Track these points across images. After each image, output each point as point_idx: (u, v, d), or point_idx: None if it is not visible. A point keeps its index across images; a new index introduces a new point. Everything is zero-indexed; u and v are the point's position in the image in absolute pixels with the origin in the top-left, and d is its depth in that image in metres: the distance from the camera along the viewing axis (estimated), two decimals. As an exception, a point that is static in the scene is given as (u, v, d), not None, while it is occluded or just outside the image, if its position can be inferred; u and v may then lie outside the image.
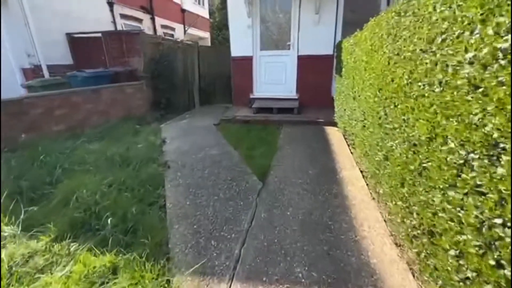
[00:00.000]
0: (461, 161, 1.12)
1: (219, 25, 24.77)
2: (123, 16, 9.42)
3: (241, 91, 6.19)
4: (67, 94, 4.55)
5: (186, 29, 14.35)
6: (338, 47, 4.57)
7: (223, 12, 26.05)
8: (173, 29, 12.77)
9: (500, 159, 0.92)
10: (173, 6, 13.14)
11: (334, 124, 4.80)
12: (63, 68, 6.77)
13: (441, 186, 1.28)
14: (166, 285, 1.59)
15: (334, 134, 4.39)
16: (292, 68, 5.86)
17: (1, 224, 2.05)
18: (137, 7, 10.15)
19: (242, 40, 5.81)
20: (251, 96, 6.15)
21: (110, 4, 8.72)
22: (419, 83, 1.50)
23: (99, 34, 6.99)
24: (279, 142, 4.04)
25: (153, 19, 11.07)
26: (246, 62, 5.94)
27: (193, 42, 7.10)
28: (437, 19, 1.33)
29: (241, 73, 6.05)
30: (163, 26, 11.80)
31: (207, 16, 17.98)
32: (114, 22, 8.88)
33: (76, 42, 7.33)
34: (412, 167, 1.58)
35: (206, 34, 17.88)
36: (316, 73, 5.71)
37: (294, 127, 4.84)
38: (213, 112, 6.36)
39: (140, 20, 10.33)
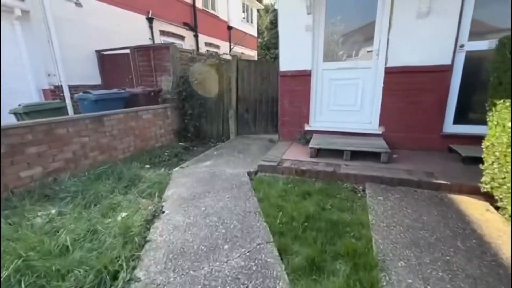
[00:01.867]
0: None
1: (268, 44, 23.98)
2: (163, 32, 8.65)
3: (292, 119, 4.30)
4: (52, 123, 3.27)
5: (232, 46, 13.44)
6: (502, 48, 2.36)
7: (273, 32, 25.44)
8: (217, 46, 11.89)
9: None
10: (219, 23, 12.36)
11: (472, 190, 2.50)
12: (90, 88, 5.88)
13: None
14: None
15: (483, 220, 2.11)
16: (373, 87, 3.76)
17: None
18: (179, 23, 9.39)
19: (296, 48, 4.00)
20: (307, 128, 4.20)
21: (150, 20, 7.98)
22: None
23: (128, 50, 6.04)
24: (374, 239, 1.94)
25: (196, 36, 10.23)
26: (301, 79, 4.08)
27: (232, 56, 5.61)
28: None
29: (293, 94, 4.19)
30: (207, 44, 10.93)
31: (255, 34, 17.08)
32: (152, 38, 8.10)
33: (105, 60, 6.54)
34: None
35: (253, 53, 16.89)
36: (417, 94, 3.50)
37: (390, 193, 2.67)
38: (251, 149, 4.57)
39: (182, 37, 9.54)
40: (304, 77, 4.06)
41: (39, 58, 5.35)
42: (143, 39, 7.64)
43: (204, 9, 11.03)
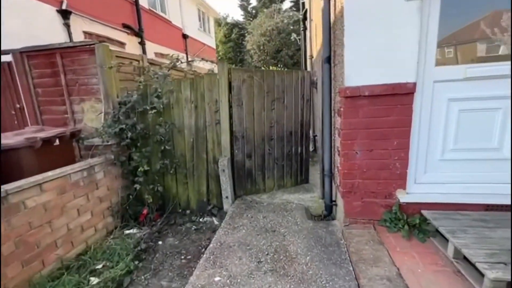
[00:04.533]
0: None
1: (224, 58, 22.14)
2: (91, 36, 5.78)
3: (369, 181, 2.12)
4: None
5: (190, 59, 10.95)
6: None
7: (227, 46, 23.72)
8: (172, 59, 9.30)
9: None
10: (172, 30, 9.82)
11: None
12: None
13: None
14: None
15: None
16: (544, 114, 1.87)
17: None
18: (117, 25, 6.61)
19: (383, 40, 1.90)
20: (402, 199, 2.06)
21: (64, 14, 5.08)
22: None
23: (9, 57, 3.17)
24: None
25: (143, 44, 7.52)
26: (393, 102, 1.97)
27: (219, 62, 3.21)
28: None
29: (372, 131, 2.04)
30: (158, 54, 8.27)
31: (213, 45, 14.90)
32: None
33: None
34: None
35: (216, 68, 14.62)
36: None
37: None
38: (289, 250, 2.19)
39: (121, 44, 6.74)
40: (399, 97, 1.95)
41: None
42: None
43: (152, 9, 8.43)
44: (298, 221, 2.57)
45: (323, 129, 2.53)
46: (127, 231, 2.73)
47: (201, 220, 3.01)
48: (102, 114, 2.96)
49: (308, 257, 2.00)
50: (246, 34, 21.19)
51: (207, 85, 2.99)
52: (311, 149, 4.49)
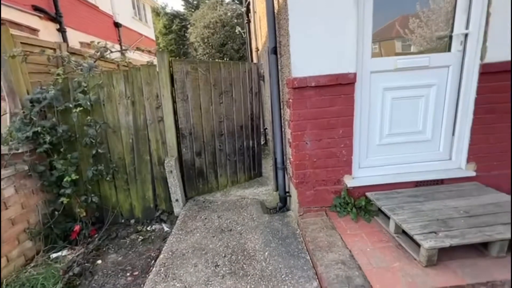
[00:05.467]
0: None
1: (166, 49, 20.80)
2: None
3: (319, 170, 2.19)
4: None
5: (124, 49, 9.82)
6: None
7: (169, 38, 22.21)
8: (103, 50, 8.18)
9: None
10: (100, 16, 8.64)
11: None
12: None
13: None
14: None
15: None
16: (455, 99, 2.18)
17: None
18: (25, 7, 5.45)
19: (324, 32, 1.93)
20: (350, 184, 2.19)
21: None
22: None
23: None
24: None
25: (62, 31, 6.40)
26: (338, 92, 2.03)
27: (159, 55, 2.86)
28: None
29: (320, 121, 2.09)
30: (85, 44, 7.17)
31: (152, 36, 13.72)
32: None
33: None
34: None
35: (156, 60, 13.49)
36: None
37: None
38: (257, 259, 2.13)
39: (34, 31, 5.60)
40: (342, 87, 2.03)
41: None
42: None
43: (72, -9, 7.21)
44: (254, 216, 2.52)
45: (273, 122, 2.51)
46: (55, 255, 2.28)
47: (148, 228, 2.71)
48: (7, 115, 2.38)
49: (266, 253, 1.96)
50: (189, 26, 20.24)
51: (145, 78, 2.66)
52: (262, 142, 4.50)
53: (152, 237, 2.56)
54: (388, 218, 1.90)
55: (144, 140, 2.76)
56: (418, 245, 1.60)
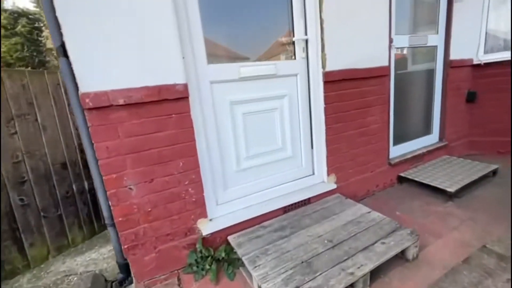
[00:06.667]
0: None
1: None
2: None
3: (160, 222, 1.52)
4: None
5: None
6: None
7: (12, 43, 16.97)
8: None
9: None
10: None
11: None
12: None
13: None
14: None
15: None
16: (307, 109, 2.01)
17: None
18: None
19: (129, 25, 1.28)
20: (206, 230, 1.63)
21: None
22: None
23: None
24: None
25: None
26: (166, 109, 1.43)
27: None
28: None
29: (139, 151, 1.43)
30: None
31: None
32: None
33: None
34: None
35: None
36: (365, 111, 2.20)
37: None
38: None
39: None
40: (170, 104, 1.44)
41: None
42: None
43: None
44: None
45: (88, 160, 1.67)
46: None
47: None
48: None
49: None
50: (44, 28, 16.40)
51: None
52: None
53: None
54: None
55: None
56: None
